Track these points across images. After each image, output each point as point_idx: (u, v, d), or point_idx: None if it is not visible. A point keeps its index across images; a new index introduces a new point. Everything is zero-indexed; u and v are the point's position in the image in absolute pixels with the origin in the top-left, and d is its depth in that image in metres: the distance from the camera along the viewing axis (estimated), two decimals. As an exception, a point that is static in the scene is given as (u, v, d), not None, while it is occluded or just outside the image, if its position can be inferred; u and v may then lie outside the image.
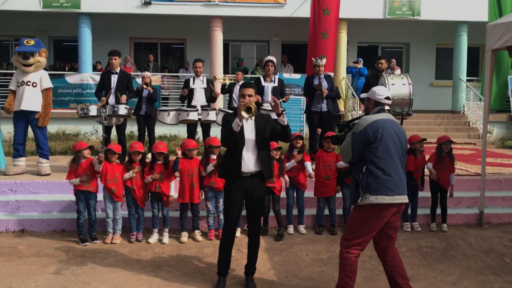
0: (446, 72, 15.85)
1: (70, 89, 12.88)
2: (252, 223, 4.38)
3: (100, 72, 12.65)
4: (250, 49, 16.66)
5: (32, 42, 6.89)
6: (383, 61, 7.70)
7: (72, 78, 12.94)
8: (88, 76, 12.91)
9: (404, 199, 3.65)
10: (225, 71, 14.21)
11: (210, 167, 5.62)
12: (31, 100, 6.82)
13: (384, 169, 3.58)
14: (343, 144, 3.89)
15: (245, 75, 14.09)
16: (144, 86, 8.07)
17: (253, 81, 8.66)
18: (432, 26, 15.01)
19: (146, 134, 8.83)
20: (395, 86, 7.17)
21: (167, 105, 13.81)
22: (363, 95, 4.09)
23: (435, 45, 16.32)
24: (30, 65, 6.82)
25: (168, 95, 14.50)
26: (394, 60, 13.55)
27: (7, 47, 16.02)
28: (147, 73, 9.05)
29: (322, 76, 7.63)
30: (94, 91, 12.34)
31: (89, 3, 12.66)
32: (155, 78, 12.37)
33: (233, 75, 10.21)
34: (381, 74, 7.59)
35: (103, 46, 14.04)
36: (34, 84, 6.87)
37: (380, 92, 3.90)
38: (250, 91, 4.21)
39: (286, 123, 4.20)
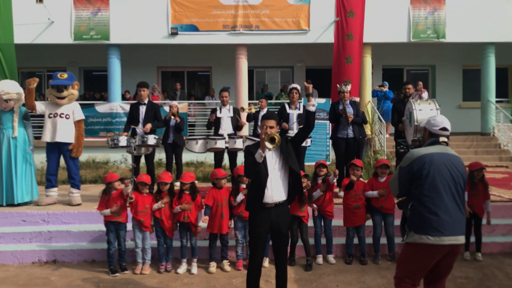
0: (474, 94, 15.59)
1: (100, 118, 13.23)
2: (279, 255, 4.35)
3: (130, 101, 13.03)
4: (274, 75, 16.82)
5: (65, 76, 7.13)
6: (410, 86, 7.66)
7: (101, 107, 13.30)
8: (118, 105, 13.24)
9: (456, 240, 3.37)
10: (250, 97, 14.36)
11: (240, 197, 5.63)
12: (64, 132, 7.01)
13: (430, 207, 3.35)
14: (391, 178, 3.72)
15: (270, 101, 14.24)
16: (172, 117, 8.20)
17: (278, 107, 8.72)
18: (458, 48, 14.90)
19: (174, 161, 8.95)
20: (422, 111, 7.11)
21: (193, 132, 14.00)
22: (422, 125, 3.86)
23: (461, 66, 16.14)
24: (63, 98, 7.05)
25: (195, 122, 14.71)
26: (421, 83, 13.43)
27: (40, 78, 16.56)
28: (174, 103, 9.21)
29: (348, 102, 7.64)
30: (123, 119, 12.76)
31: (118, 34, 13.07)
32: (182, 106, 12.59)
33: (258, 101, 10.21)
34: (408, 99, 7.54)
35: (132, 75, 14.45)
36: (67, 116, 7.08)
37: (435, 122, 3.67)
38: (272, 122, 4.20)
39: (313, 109, 4.27)
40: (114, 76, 13.48)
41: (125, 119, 12.67)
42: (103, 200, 5.64)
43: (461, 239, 3.41)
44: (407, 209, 3.48)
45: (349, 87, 7.68)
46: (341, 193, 6.62)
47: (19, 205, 7.06)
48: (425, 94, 13.08)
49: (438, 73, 16.22)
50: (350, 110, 7.55)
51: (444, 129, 3.65)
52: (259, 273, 4.36)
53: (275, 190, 4.18)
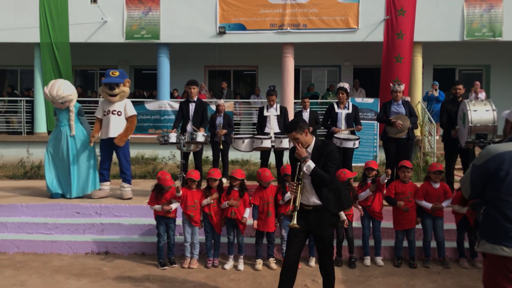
0: (532, 95, 14.89)
1: (149, 116, 13.58)
2: (322, 258, 4.28)
3: (178, 99, 13.32)
4: (321, 74, 16.70)
5: (117, 73, 7.32)
6: (460, 86, 7.35)
7: (151, 105, 13.65)
8: (166, 103, 13.54)
9: None
10: (296, 96, 14.32)
11: (287, 196, 5.61)
12: (116, 128, 7.21)
13: (508, 214, 2.88)
14: (462, 177, 3.27)
15: (316, 100, 14.15)
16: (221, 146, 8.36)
17: (325, 107, 8.66)
18: (516, 46, 14.24)
19: (220, 159, 9.08)
20: (477, 112, 6.83)
21: (239, 130, 14.10)
22: (504, 115, 3.37)
23: (519, 66, 15.45)
24: (115, 95, 7.25)
25: (240, 120, 14.82)
26: (478, 83, 12.93)
27: (93, 76, 17.21)
28: (221, 101, 9.36)
29: (400, 102, 7.48)
30: (171, 117, 13.05)
31: (168, 34, 13.37)
32: (228, 104, 12.72)
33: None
34: (461, 100, 7.27)
35: (180, 74, 14.75)
36: (119, 113, 7.29)
37: None
38: (292, 135, 4.07)
39: (309, 171, 4.01)
40: (164, 74, 13.80)
41: (173, 116, 13.02)
42: (153, 197, 5.78)
43: None
44: (479, 213, 3.06)
45: (402, 87, 7.51)
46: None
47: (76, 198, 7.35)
48: (482, 95, 12.60)
49: (493, 73, 15.57)
50: (402, 111, 7.40)
51: None
52: (292, 274, 4.22)
53: (311, 194, 4.13)
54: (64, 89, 7.20)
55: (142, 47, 14.38)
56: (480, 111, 6.81)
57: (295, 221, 3.98)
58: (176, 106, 13.10)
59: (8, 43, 13.85)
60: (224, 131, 8.82)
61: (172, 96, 14.57)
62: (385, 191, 6.02)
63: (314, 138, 4.20)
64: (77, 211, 6.93)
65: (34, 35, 13.47)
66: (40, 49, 13.58)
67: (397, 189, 5.87)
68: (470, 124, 6.73)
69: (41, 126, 13.81)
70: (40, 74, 13.73)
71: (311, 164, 4.03)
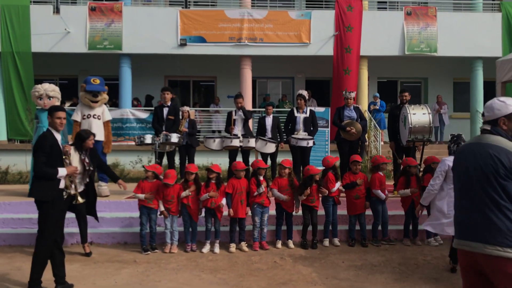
0: (463, 105, 16.57)
1: (112, 123, 13.90)
2: None
3: (139, 108, 13.86)
4: (275, 85, 17.71)
5: (98, 81, 7.88)
6: (406, 94, 8.47)
7: (113, 113, 13.90)
8: (128, 111, 13.99)
9: (472, 247, 2.68)
10: (253, 106, 15.19)
11: (261, 188, 6.47)
12: (97, 131, 7.72)
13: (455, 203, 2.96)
14: None
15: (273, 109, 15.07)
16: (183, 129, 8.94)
17: (279, 115, 9.59)
18: (449, 61, 15.87)
19: (187, 162, 9.72)
20: (416, 115, 7.96)
21: (198, 138, 14.73)
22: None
23: (452, 79, 17.13)
24: (98, 101, 7.82)
25: (200, 128, 15.47)
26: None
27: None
28: (186, 108, 10.03)
29: (352, 107, 8.50)
30: (133, 125, 13.59)
31: (130, 44, 13.91)
32: (191, 112, 13.35)
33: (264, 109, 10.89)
34: (403, 105, 8.37)
35: (141, 84, 15.31)
36: (99, 117, 7.84)
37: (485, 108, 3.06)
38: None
39: None
40: (125, 84, 14.32)
41: (135, 124, 13.58)
42: (140, 185, 6.41)
43: (483, 248, 2.64)
44: None
45: (353, 94, 8.55)
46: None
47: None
48: (445, 107, 14.27)
49: (431, 85, 17.20)
50: (353, 115, 8.42)
51: (482, 114, 3.15)
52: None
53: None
54: (54, 87, 7.70)
55: (103, 57, 14.79)
56: (418, 114, 7.94)
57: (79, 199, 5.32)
58: (137, 114, 13.72)
59: (-32, 52, 13.90)
60: (186, 129, 9.34)
61: (133, 105, 15.03)
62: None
63: None
64: (58, 208, 7.36)
65: (-5, 45, 13.61)
66: (1, 58, 13.71)
67: (350, 179, 6.81)
68: (410, 125, 7.84)
69: (2, 134, 13.88)
70: (1, 83, 13.84)
71: None
